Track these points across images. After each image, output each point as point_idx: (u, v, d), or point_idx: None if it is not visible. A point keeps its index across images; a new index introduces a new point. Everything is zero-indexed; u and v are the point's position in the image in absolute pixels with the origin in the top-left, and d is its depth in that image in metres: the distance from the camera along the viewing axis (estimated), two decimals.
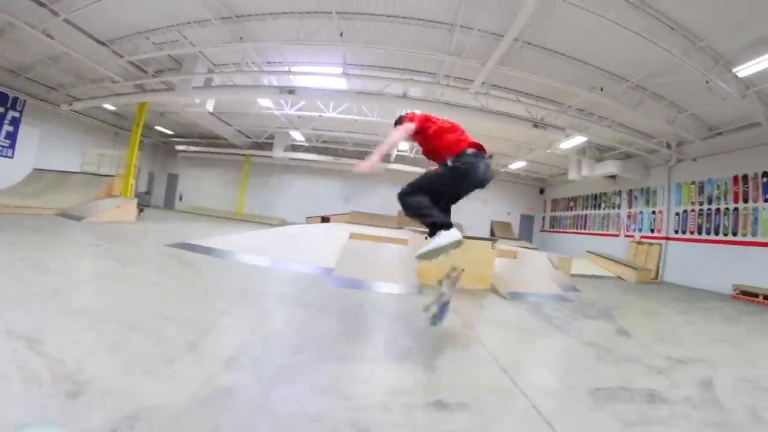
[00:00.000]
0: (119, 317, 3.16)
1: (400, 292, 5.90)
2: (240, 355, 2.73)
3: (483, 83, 10.61)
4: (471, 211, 24.38)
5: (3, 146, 17.81)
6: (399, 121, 4.23)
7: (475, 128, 15.84)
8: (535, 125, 12.56)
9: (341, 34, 9.84)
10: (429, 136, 3.99)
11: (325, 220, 21.99)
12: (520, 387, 2.72)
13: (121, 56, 12.93)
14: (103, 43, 12.54)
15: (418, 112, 4.47)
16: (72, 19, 10.98)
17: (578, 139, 14.18)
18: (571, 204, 22.14)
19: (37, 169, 16.51)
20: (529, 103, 12.20)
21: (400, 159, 22.08)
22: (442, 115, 12.33)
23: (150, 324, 3.11)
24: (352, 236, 9.21)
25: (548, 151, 17.18)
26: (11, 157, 18.02)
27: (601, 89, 10.59)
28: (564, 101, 12.04)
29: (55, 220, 10.29)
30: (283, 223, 21.60)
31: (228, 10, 10.18)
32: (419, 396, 2.41)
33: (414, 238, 8.30)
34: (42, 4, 10.37)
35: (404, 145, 18.49)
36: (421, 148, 4.25)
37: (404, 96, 12.03)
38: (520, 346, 3.96)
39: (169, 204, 27.83)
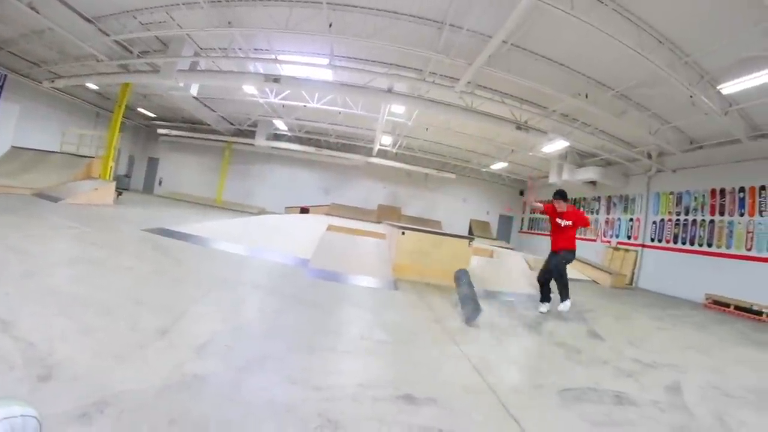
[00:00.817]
0: (93, 301, 3.15)
1: (376, 286, 5.94)
2: (212, 343, 2.74)
3: (469, 83, 10.64)
4: (450, 209, 24.62)
5: None
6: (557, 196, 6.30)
7: (458, 127, 16.02)
8: (518, 127, 12.64)
9: (330, 25, 9.76)
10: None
11: (304, 210, 21.94)
12: (489, 384, 2.78)
13: (107, 34, 12.62)
14: (89, 20, 12.21)
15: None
16: None
17: (560, 144, 14.30)
18: None
19: (15, 147, 16.14)
20: (514, 105, 12.25)
21: (382, 153, 22.01)
22: (427, 112, 12.30)
23: (123, 309, 3.10)
24: (330, 228, 9.23)
25: (530, 153, 17.29)
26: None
27: (586, 96, 10.70)
28: (549, 105, 12.13)
29: (31, 200, 10.11)
30: (263, 211, 21.49)
31: None
32: (389, 389, 2.45)
33: (391, 232, 8.33)
34: None
35: (387, 140, 18.45)
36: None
37: (389, 91, 12.00)
38: (492, 344, 4.01)
39: (148, 188, 27.36)
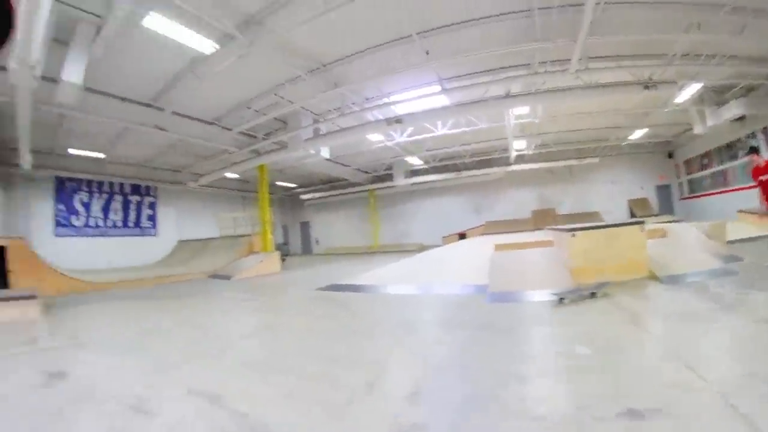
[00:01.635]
0: (289, 366, 3.41)
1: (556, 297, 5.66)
2: (419, 389, 2.76)
3: (580, 59, 9.99)
4: (602, 195, 22.93)
5: (147, 227, 21.32)
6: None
7: (585, 107, 15.15)
8: (646, 86, 11.46)
9: (427, 53, 9.92)
10: None
11: (461, 236, 21.43)
12: (709, 382, 2.45)
13: (230, 129, 14.33)
14: (210, 123, 14.08)
15: None
16: (177, 110, 12.65)
17: (693, 88, 12.71)
18: (705, 161, 19.75)
19: (181, 241, 19.89)
20: (632, 65, 11.30)
21: (519, 159, 21.12)
22: (550, 103, 11.76)
23: (321, 369, 3.29)
24: (498, 247, 9.03)
25: (665, 110, 15.72)
26: (155, 235, 21.54)
27: (699, 26, 9.52)
28: (665, 51, 10.95)
29: (207, 281, 11.46)
30: (421, 247, 21.63)
31: (314, 62, 10.73)
32: (608, 407, 2.26)
33: (558, 237, 7.96)
34: (147, 105, 12.19)
35: (520, 144, 17.95)
36: None
37: (507, 96, 11.73)
38: (695, 335, 3.56)
39: (306, 250, 29.63)
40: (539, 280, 6.43)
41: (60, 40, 7.92)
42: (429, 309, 5.78)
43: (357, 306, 6.15)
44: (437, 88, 11.35)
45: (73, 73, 8.25)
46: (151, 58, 9.74)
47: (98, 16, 7.86)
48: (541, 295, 5.63)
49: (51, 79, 8.46)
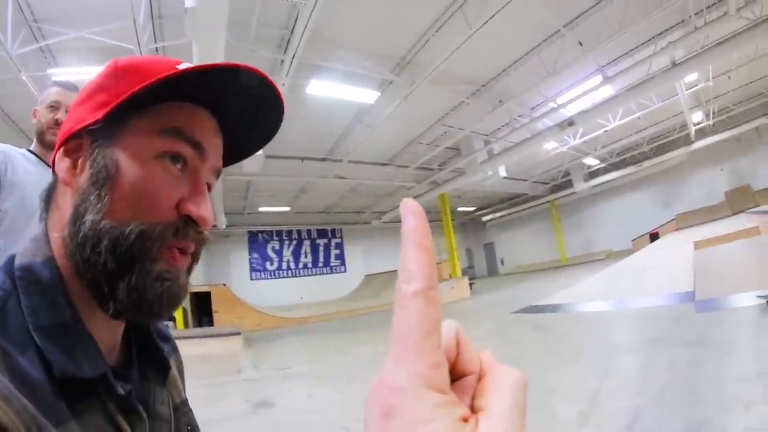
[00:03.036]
0: None
1: None
2: (640, 418, 2.52)
3: None
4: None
5: (335, 265, 24.00)
6: None
7: (760, 49, 12.54)
8: None
9: (581, 44, 9.33)
10: None
11: (653, 236, 19.39)
12: None
13: (406, 167, 14.91)
14: (385, 164, 14.82)
15: None
16: (353, 158, 13.41)
17: None
18: None
19: (368, 275, 21.53)
20: None
21: (700, 134, 18.10)
22: (719, 58, 9.93)
23: (535, 399, 3.08)
24: (698, 245, 8.02)
25: None
26: (344, 272, 23.96)
27: None
28: None
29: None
30: (609, 254, 20.14)
31: (473, 86, 10.71)
32: None
33: (764, 222, 6.77)
34: (323, 159, 13.63)
35: (697, 117, 15.67)
36: None
37: (673, 65, 10.31)
38: None
39: (492, 271, 29.25)
40: (754, 279, 5.30)
41: None
42: (635, 326, 5.26)
43: (559, 328, 5.86)
44: (599, 78, 10.51)
45: None
46: (320, 118, 10.76)
47: None
48: (759, 298, 4.56)
49: None
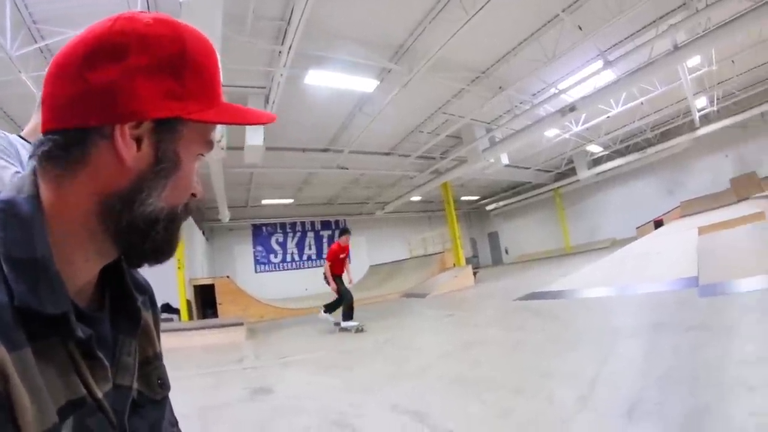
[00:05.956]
0: (498, 382, 3.30)
1: None
2: (639, 403, 2.48)
3: None
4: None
5: None
6: None
7: (763, 31, 12.32)
8: None
9: (580, 28, 9.22)
10: None
11: (658, 224, 19.18)
12: None
13: (407, 156, 14.87)
14: (387, 154, 14.78)
15: None
16: (354, 149, 13.47)
17: None
18: None
19: (373, 266, 21.24)
20: None
21: (704, 120, 17.69)
22: (722, 41, 9.70)
23: (533, 384, 3.14)
24: (702, 230, 7.96)
25: None
26: (349, 263, 22.93)
27: None
28: None
29: (402, 300, 11.93)
30: (614, 242, 19.99)
31: (472, 72, 10.65)
32: None
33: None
34: (325, 150, 13.76)
35: (701, 102, 15.41)
36: None
37: (675, 48, 10.16)
38: None
39: (497, 260, 29.26)
40: (759, 264, 5.21)
41: None
42: (637, 311, 5.21)
43: (560, 314, 5.81)
44: (600, 63, 10.38)
45: (254, 137, 9.76)
46: (320, 108, 10.79)
47: (262, 88, 9.26)
48: (761, 282, 4.59)
49: (238, 147, 10.10)
